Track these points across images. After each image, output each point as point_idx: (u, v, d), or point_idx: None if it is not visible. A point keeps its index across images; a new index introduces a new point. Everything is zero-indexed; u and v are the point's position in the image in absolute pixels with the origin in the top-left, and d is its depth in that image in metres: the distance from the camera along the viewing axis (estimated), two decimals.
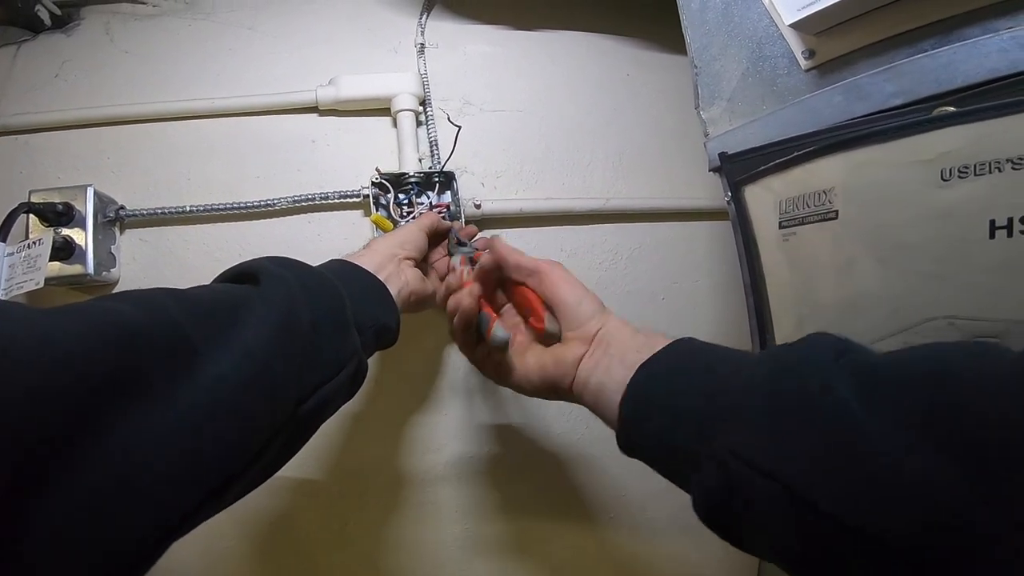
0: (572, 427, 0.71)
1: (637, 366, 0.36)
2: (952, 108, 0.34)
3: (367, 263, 0.48)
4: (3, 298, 0.53)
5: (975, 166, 0.31)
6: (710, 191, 0.77)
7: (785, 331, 0.46)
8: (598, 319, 0.42)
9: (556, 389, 0.42)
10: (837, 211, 0.39)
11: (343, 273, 0.45)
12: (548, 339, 0.44)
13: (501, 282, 0.51)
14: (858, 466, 0.23)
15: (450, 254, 0.59)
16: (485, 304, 0.47)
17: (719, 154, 0.50)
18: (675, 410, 0.33)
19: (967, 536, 0.20)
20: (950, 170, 0.32)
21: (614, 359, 0.38)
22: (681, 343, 0.37)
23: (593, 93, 0.79)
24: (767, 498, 0.26)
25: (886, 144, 0.36)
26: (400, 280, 0.50)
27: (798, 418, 0.26)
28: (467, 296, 0.46)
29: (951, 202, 0.33)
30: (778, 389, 0.28)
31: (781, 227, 0.44)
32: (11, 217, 0.55)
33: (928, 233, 0.34)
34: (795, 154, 0.42)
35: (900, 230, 0.36)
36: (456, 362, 0.69)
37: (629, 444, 0.36)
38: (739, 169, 0.48)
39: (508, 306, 0.51)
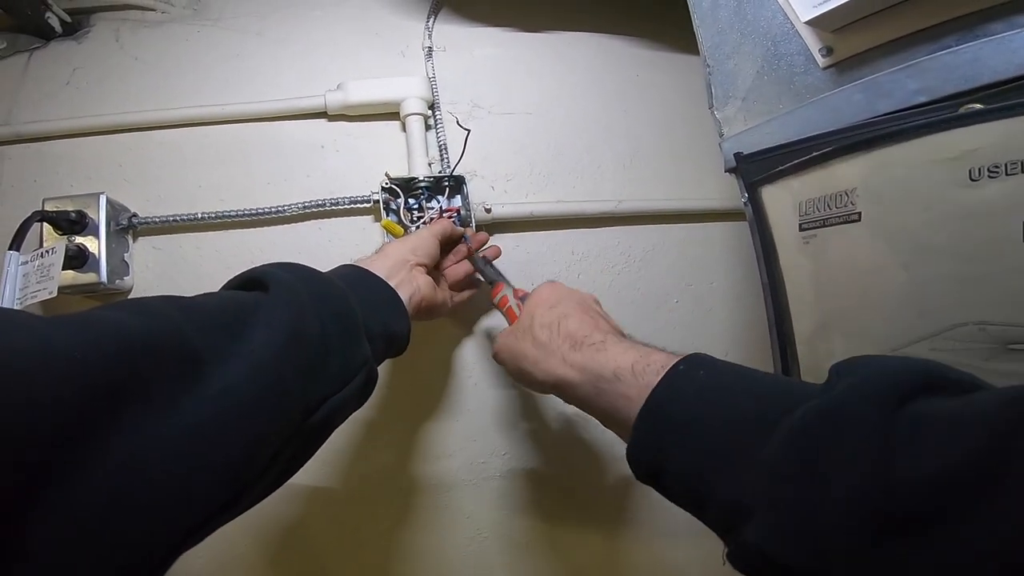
0: (584, 433, 0.70)
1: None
2: (979, 105, 0.33)
3: (379, 268, 0.48)
4: (18, 307, 0.53)
5: (1006, 165, 0.30)
6: (724, 191, 0.77)
7: (805, 335, 0.45)
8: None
9: None
10: (860, 213, 0.38)
11: (354, 279, 0.45)
12: None
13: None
14: None
15: (489, 282, 0.59)
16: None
17: (735, 154, 0.49)
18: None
19: None
20: (979, 169, 0.31)
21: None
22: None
23: (603, 94, 0.79)
24: None
25: (910, 143, 0.35)
26: (411, 287, 0.50)
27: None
28: None
29: (981, 202, 0.32)
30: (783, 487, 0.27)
31: (801, 229, 0.43)
32: (25, 226, 0.56)
33: (956, 234, 0.33)
34: (814, 154, 0.41)
35: (926, 231, 0.35)
36: (467, 368, 0.69)
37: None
38: (756, 169, 0.47)
39: None
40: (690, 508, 0.33)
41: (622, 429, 0.37)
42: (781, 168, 0.44)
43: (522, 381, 0.47)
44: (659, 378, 0.34)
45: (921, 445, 0.23)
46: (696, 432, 0.32)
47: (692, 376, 0.34)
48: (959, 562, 0.20)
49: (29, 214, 0.56)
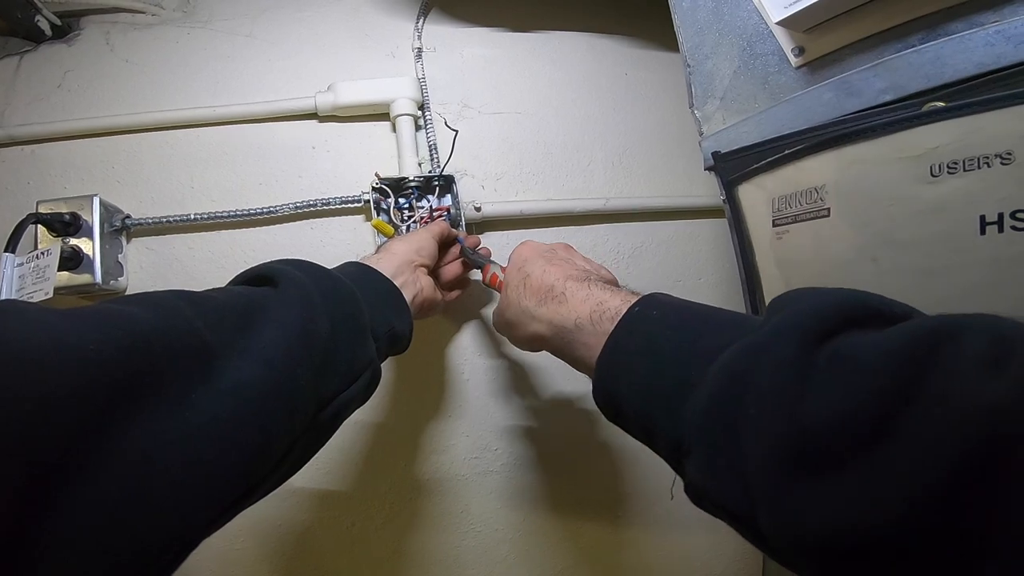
0: (581, 426, 0.71)
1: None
2: (942, 103, 0.35)
3: (384, 267, 0.48)
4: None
5: (964, 161, 0.32)
6: (711, 188, 0.77)
7: None
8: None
9: None
10: (829, 209, 0.39)
11: (360, 277, 0.45)
12: None
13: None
14: None
15: (477, 265, 0.60)
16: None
17: (712, 153, 0.50)
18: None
19: None
20: (939, 166, 0.33)
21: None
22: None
23: (591, 93, 0.80)
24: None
25: (875, 141, 0.36)
26: (416, 287, 0.50)
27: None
28: None
29: (940, 198, 0.33)
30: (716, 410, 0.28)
31: (775, 225, 0.44)
32: (20, 228, 0.56)
33: (918, 230, 0.34)
34: (786, 152, 0.42)
35: (891, 227, 0.36)
36: (459, 364, 0.70)
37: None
38: (732, 168, 0.48)
39: None
40: (647, 445, 0.34)
41: (591, 374, 0.38)
42: (755, 166, 0.45)
43: (516, 345, 0.48)
44: (614, 325, 0.36)
45: (832, 385, 0.23)
46: (644, 373, 0.33)
47: (646, 316, 0.35)
48: (863, 504, 0.20)
49: (23, 216, 0.57)
